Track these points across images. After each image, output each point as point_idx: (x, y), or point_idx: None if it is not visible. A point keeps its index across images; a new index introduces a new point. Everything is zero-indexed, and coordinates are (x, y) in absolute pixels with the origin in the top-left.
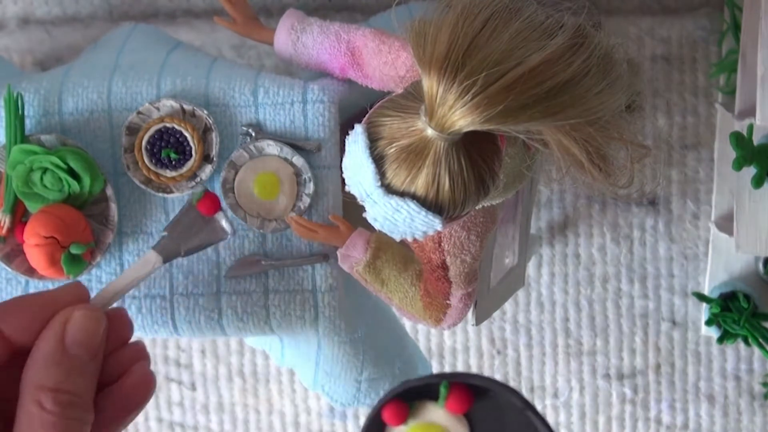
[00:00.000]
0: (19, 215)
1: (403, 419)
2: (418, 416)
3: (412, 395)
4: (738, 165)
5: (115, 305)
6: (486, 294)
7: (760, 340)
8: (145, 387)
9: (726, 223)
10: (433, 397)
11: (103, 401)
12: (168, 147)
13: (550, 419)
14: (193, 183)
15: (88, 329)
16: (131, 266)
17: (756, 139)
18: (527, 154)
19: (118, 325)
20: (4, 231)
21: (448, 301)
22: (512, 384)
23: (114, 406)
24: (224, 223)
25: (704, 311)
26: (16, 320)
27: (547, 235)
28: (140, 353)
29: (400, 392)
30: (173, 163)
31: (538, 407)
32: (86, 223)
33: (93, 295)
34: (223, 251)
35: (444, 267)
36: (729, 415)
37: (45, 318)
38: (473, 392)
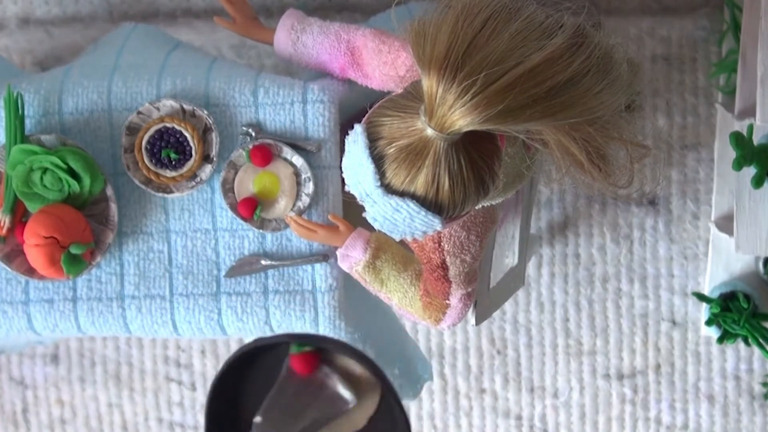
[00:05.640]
0: (19, 215)
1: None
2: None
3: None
4: (738, 165)
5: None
6: (486, 294)
7: (760, 340)
8: None
9: (726, 223)
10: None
11: None
12: (168, 147)
13: (550, 419)
14: (193, 183)
15: None
16: None
17: (756, 139)
18: (527, 154)
19: None
20: (4, 231)
21: (447, 301)
22: (512, 384)
23: None
24: (339, 388)
25: (704, 311)
26: None
27: (547, 235)
28: None
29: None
30: (173, 163)
31: (538, 407)
32: (86, 223)
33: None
34: (223, 251)
35: (444, 267)
36: (729, 415)
37: None
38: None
